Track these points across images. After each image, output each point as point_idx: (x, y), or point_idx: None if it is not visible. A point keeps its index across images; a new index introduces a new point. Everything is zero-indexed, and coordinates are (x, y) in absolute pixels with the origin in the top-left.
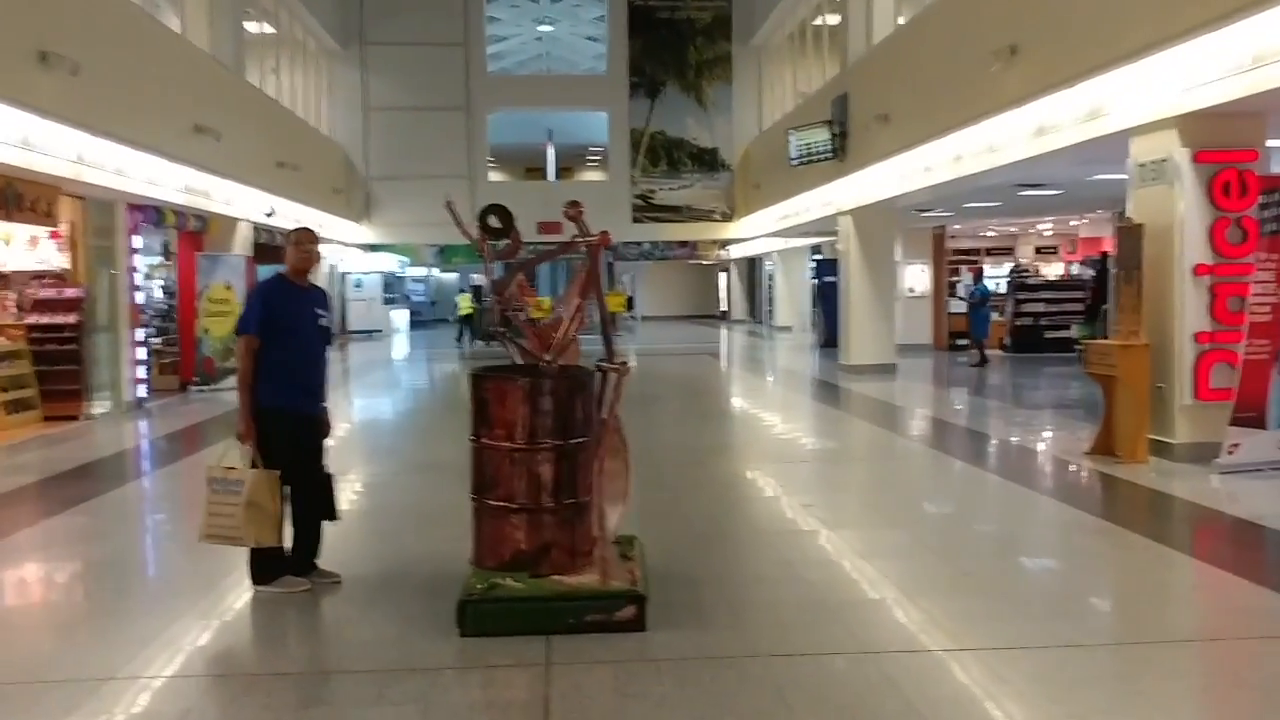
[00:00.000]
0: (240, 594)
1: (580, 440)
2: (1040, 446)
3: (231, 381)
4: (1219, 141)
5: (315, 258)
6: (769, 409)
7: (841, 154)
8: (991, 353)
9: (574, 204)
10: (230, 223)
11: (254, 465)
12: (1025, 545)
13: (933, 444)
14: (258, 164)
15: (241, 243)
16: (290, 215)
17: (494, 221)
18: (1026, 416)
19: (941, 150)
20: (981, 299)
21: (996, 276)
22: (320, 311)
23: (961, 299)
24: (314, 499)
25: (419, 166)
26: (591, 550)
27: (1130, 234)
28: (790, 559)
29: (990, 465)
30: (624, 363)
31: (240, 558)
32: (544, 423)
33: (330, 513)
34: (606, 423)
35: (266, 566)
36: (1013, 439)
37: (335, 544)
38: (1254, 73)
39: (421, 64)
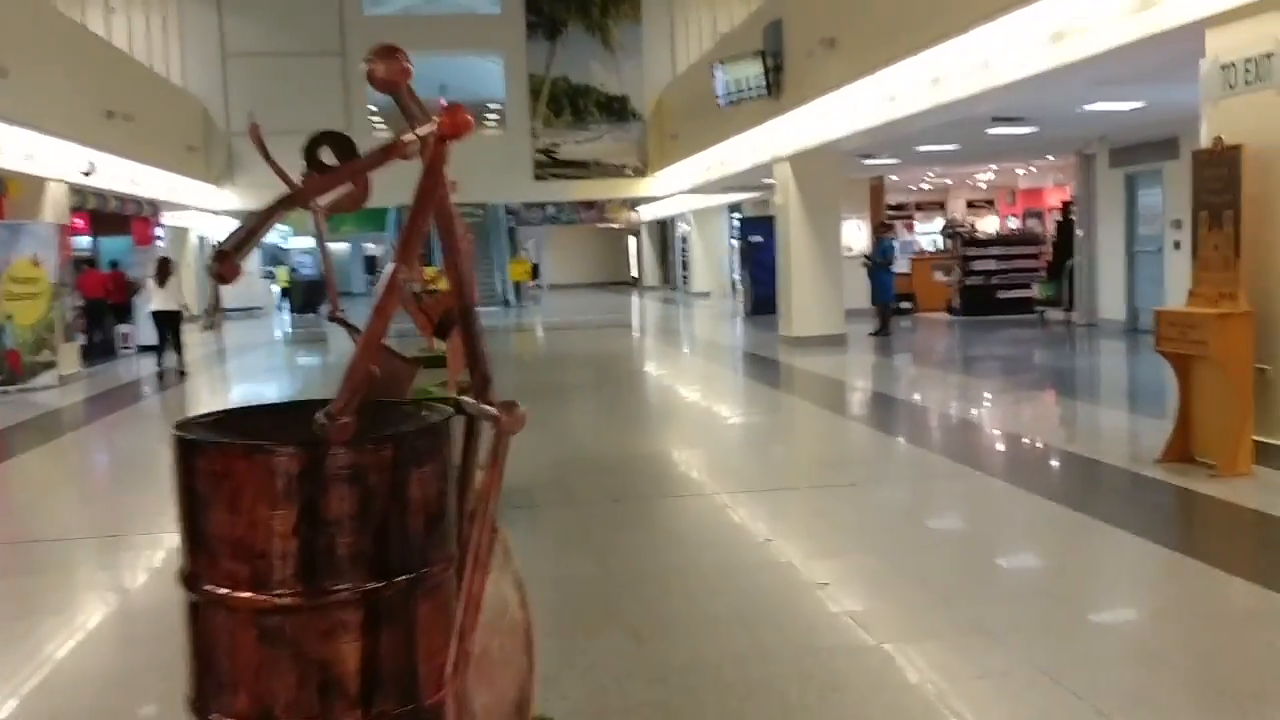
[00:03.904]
0: None
1: (418, 577)
2: (1083, 448)
3: (46, 379)
4: None
5: None
6: (714, 399)
7: (777, 90)
8: (938, 316)
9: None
10: (37, 183)
11: None
12: (1112, 605)
13: (945, 449)
14: (74, 112)
15: (53, 208)
16: (126, 176)
17: (328, 156)
18: (1036, 402)
19: (912, 73)
20: (884, 260)
21: (929, 232)
22: None
23: (867, 260)
24: None
25: (289, 121)
26: None
27: (1219, 160)
28: None
29: (1031, 481)
30: (510, 404)
31: None
32: (336, 544)
33: None
34: (480, 533)
35: None
36: (1039, 440)
37: None
38: None
39: (287, 3)
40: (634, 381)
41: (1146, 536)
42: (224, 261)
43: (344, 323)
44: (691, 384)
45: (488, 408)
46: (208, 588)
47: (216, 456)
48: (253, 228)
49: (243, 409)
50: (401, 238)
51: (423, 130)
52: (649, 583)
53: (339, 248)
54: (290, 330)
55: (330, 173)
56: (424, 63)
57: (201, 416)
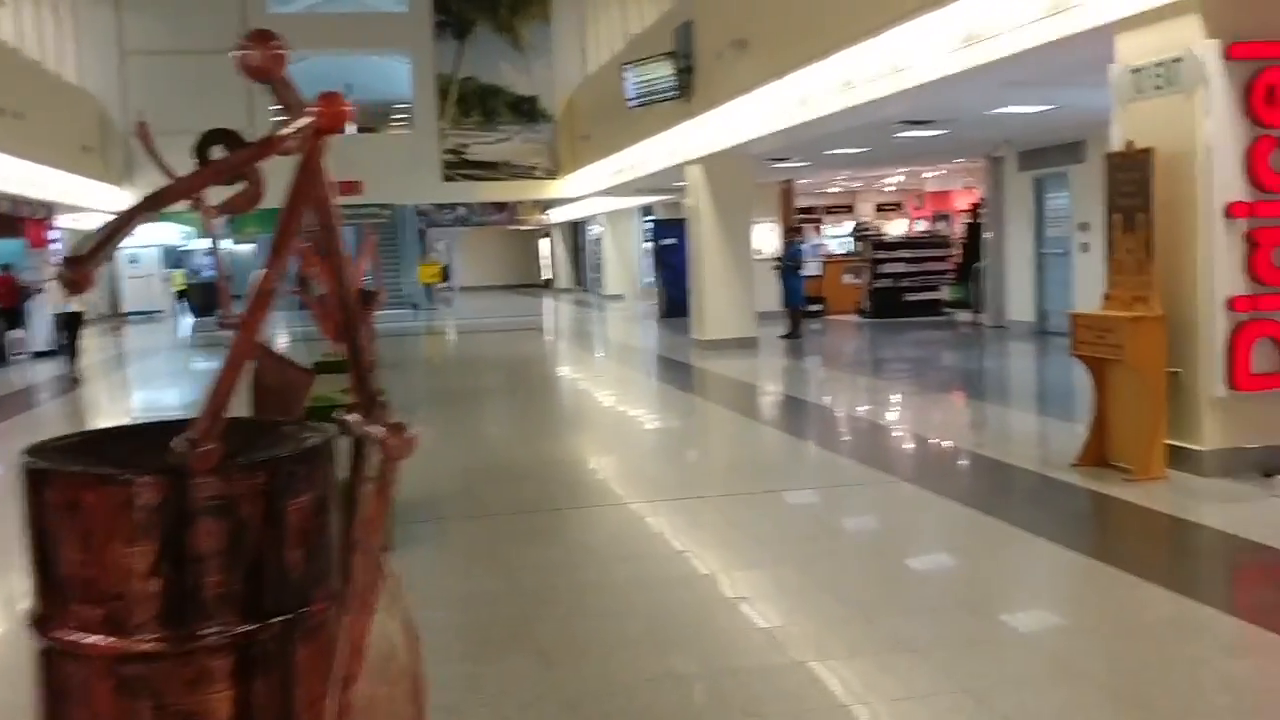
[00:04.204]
0: None
1: (296, 618)
2: (997, 452)
3: None
4: (1259, 28)
5: None
6: (627, 404)
7: (688, 92)
8: (846, 319)
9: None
10: None
11: None
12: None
13: (859, 454)
14: None
15: None
16: (16, 176)
17: (220, 155)
18: (948, 405)
19: (824, 76)
20: (794, 263)
21: (840, 235)
22: None
23: (778, 263)
24: None
25: (191, 120)
26: None
27: (1131, 164)
28: None
29: (946, 486)
30: (398, 425)
31: None
32: (203, 583)
33: None
34: (363, 570)
35: None
36: (953, 443)
37: None
38: None
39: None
40: (546, 386)
41: (1064, 543)
42: (75, 269)
43: (236, 328)
44: (604, 389)
45: (373, 430)
46: (58, 633)
47: (65, 486)
48: (109, 233)
49: (110, 430)
50: (274, 239)
51: (299, 123)
52: (561, 600)
53: (243, 249)
54: (191, 334)
55: (202, 171)
56: (330, 62)
57: (60, 439)
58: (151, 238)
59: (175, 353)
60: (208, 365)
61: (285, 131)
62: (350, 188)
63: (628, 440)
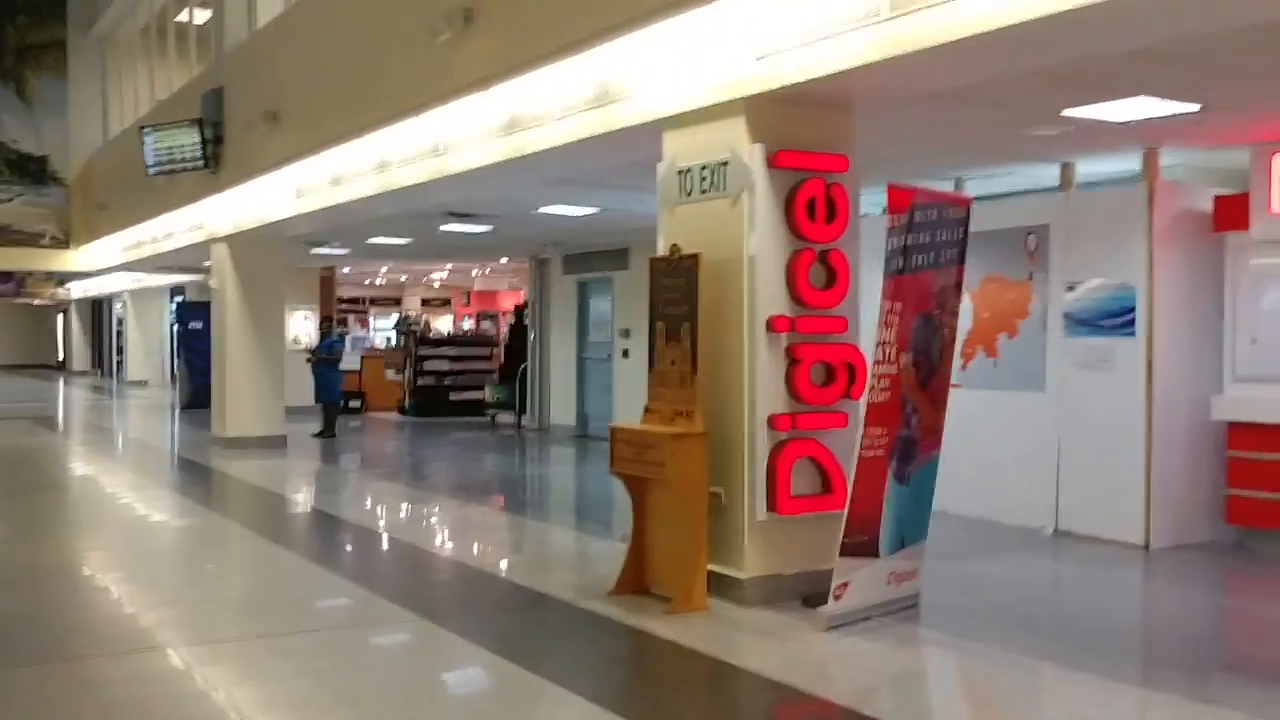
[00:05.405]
0: None
1: None
2: (532, 579)
3: None
4: (803, 139)
5: None
6: (120, 525)
7: (215, 163)
8: (387, 415)
9: None
10: None
11: None
12: None
13: (381, 586)
14: None
15: None
16: None
17: None
18: (484, 522)
19: (360, 155)
20: (330, 356)
21: (383, 329)
22: None
23: (311, 355)
24: None
25: None
26: None
27: (676, 269)
28: None
29: (475, 627)
30: None
31: None
32: None
33: None
34: None
35: None
36: (486, 568)
37: None
38: (874, 30)
39: None
40: (27, 499)
41: (591, 697)
42: None
43: None
44: (100, 502)
45: None
46: None
47: None
48: None
49: None
50: None
51: None
52: None
53: None
54: None
55: None
56: None
57: None
58: None
59: None
60: None
61: None
62: None
63: (112, 574)
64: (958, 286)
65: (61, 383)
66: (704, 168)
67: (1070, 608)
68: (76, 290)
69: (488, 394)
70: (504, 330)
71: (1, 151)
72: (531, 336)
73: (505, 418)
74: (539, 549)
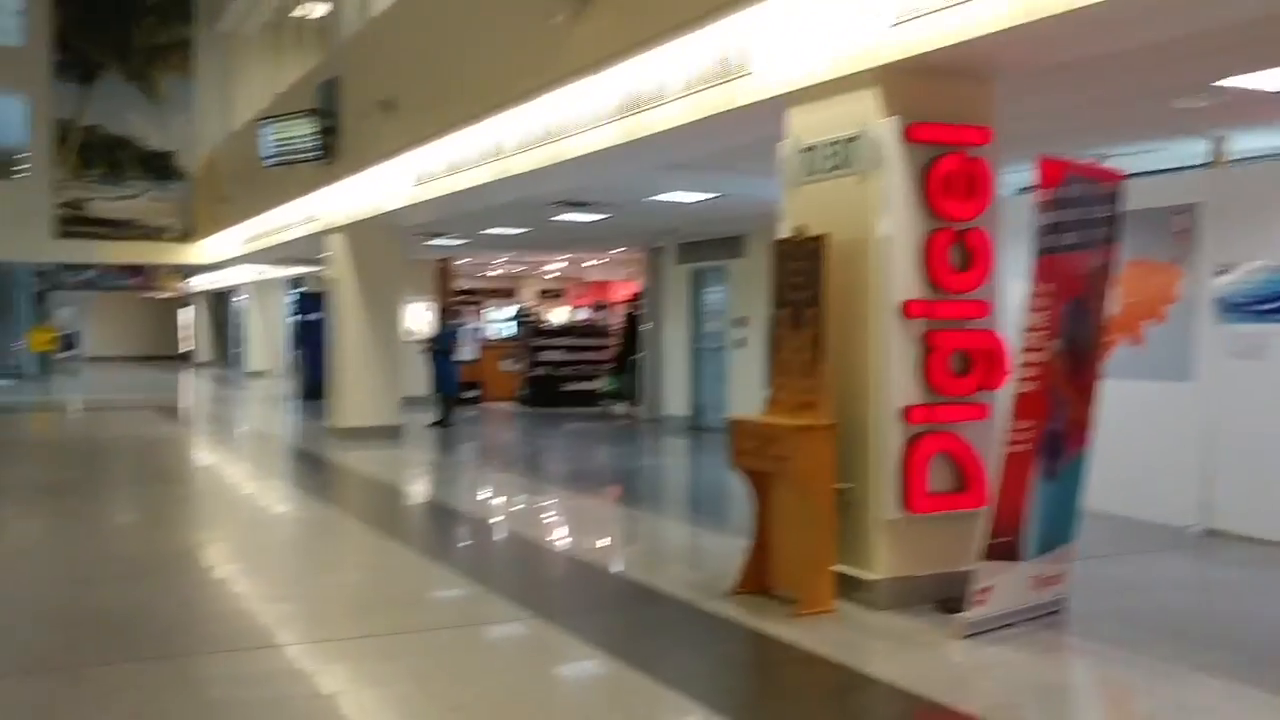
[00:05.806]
0: None
1: None
2: (649, 575)
3: None
4: (941, 111)
5: None
6: (238, 519)
7: (331, 154)
8: (503, 406)
9: None
10: None
11: None
12: None
13: (496, 582)
14: None
15: None
16: None
17: None
18: (600, 515)
19: (474, 142)
20: (446, 347)
21: (498, 320)
22: None
23: (428, 345)
24: None
25: None
26: None
27: (801, 252)
28: None
29: (588, 627)
30: None
31: None
32: None
33: None
34: None
35: None
36: (601, 564)
37: None
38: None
39: None
40: (148, 489)
41: (719, 709)
42: None
43: None
44: (219, 492)
45: None
46: None
47: None
48: None
49: None
50: None
51: None
52: None
53: None
54: None
55: None
56: None
57: None
58: None
59: None
60: None
61: None
62: None
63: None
64: (1109, 270)
65: (184, 374)
66: (831, 144)
67: (1228, 615)
68: (200, 283)
69: (602, 384)
70: (618, 320)
71: (130, 149)
72: (645, 326)
73: (619, 407)
74: (655, 544)
